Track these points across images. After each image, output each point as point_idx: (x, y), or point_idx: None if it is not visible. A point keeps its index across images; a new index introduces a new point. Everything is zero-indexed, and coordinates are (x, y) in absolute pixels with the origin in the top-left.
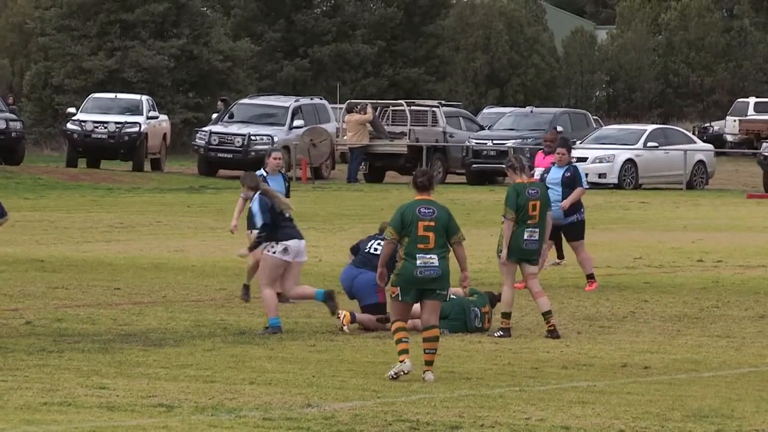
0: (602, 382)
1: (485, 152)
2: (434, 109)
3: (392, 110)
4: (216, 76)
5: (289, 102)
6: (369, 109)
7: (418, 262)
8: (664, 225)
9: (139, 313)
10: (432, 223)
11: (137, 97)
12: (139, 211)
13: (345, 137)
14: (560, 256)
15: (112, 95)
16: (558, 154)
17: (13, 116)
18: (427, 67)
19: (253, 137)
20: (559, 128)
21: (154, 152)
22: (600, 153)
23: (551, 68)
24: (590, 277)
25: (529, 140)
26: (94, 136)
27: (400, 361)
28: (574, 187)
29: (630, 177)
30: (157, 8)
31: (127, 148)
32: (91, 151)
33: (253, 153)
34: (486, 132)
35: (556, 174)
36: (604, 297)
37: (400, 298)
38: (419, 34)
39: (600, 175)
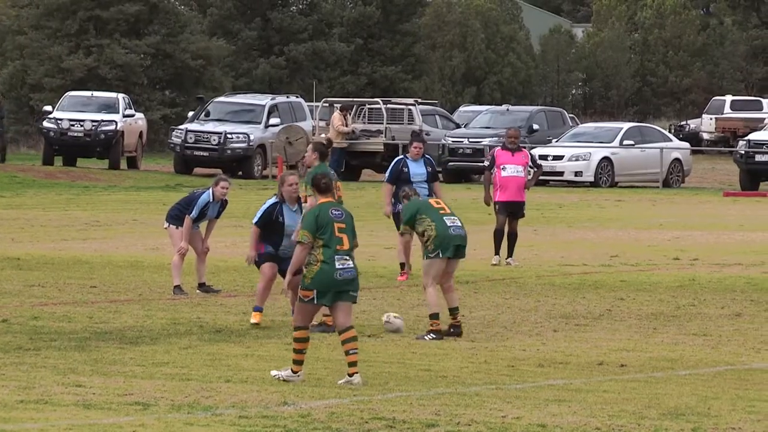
0: (578, 380)
1: (461, 150)
2: (410, 107)
3: (368, 108)
4: (191, 74)
5: (265, 100)
6: (339, 125)
7: (337, 264)
8: (641, 223)
9: (116, 311)
10: (343, 225)
11: (113, 95)
12: (115, 210)
13: (323, 136)
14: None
15: (88, 93)
16: (415, 148)
17: None
18: (404, 65)
19: (229, 135)
20: (536, 126)
21: (130, 150)
22: (576, 151)
23: (527, 66)
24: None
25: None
26: (70, 134)
27: (294, 371)
28: (434, 181)
29: (606, 175)
30: (130, 8)
31: (103, 146)
32: (68, 149)
33: (229, 151)
34: (462, 130)
35: (418, 170)
36: (581, 295)
37: (315, 302)
38: (396, 32)
39: (576, 173)
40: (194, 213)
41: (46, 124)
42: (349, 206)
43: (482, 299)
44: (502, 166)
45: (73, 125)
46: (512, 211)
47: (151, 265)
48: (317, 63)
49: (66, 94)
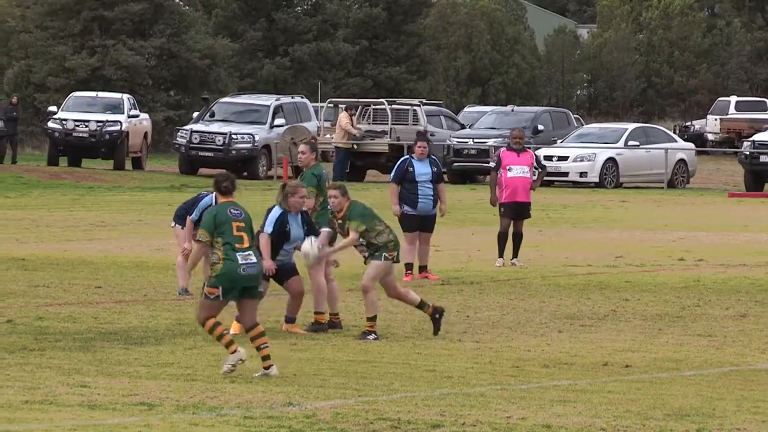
0: (583, 381)
1: (466, 151)
2: (415, 107)
3: (373, 109)
4: (196, 74)
5: (270, 101)
6: (346, 125)
7: (240, 260)
8: (645, 224)
9: (121, 312)
10: (242, 224)
11: (118, 95)
12: (120, 210)
13: (329, 136)
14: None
15: (93, 94)
16: (419, 147)
17: None
18: (409, 66)
19: (234, 136)
20: (540, 127)
21: (135, 151)
22: (581, 152)
23: (532, 67)
24: (424, 268)
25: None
26: (75, 134)
27: (232, 352)
28: (438, 182)
29: (611, 176)
30: (134, 7)
31: (108, 147)
32: (73, 149)
33: (234, 152)
34: (467, 131)
35: (424, 169)
36: (585, 296)
37: (221, 298)
38: (401, 33)
39: (581, 174)
40: (195, 215)
41: (51, 124)
42: None
43: (487, 300)
44: (508, 167)
45: (78, 126)
46: (518, 211)
47: (156, 266)
48: (322, 64)
49: (71, 94)
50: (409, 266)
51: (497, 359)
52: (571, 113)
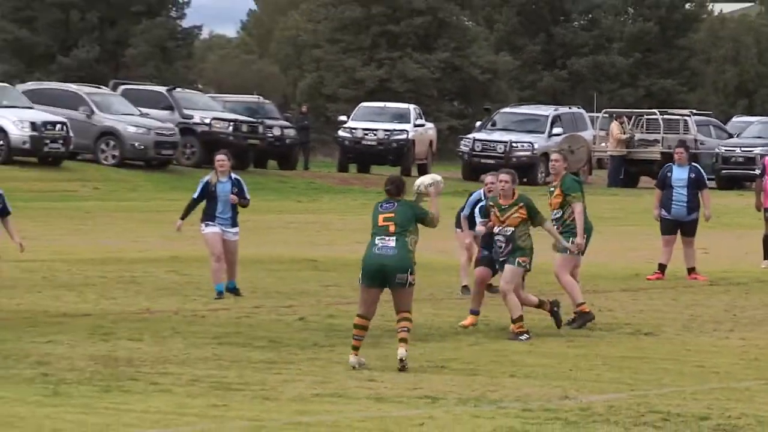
0: None
1: (734, 159)
2: (686, 117)
3: (646, 119)
4: (478, 86)
5: (548, 111)
6: (617, 134)
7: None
8: None
9: None
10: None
11: (405, 106)
12: None
13: (604, 145)
14: None
15: (381, 104)
16: (676, 153)
17: (287, 124)
18: (680, 78)
19: (514, 144)
20: None
21: (420, 158)
22: None
23: None
24: (692, 270)
25: None
26: (364, 142)
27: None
28: (701, 188)
29: None
30: (417, 21)
31: (395, 154)
32: (361, 156)
33: (514, 159)
34: (735, 140)
35: (681, 175)
36: None
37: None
38: (672, 47)
39: None
40: (466, 211)
41: (341, 133)
42: (626, 212)
43: (753, 300)
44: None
45: (366, 134)
46: None
47: (441, 267)
48: (598, 76)
49: (360, 104)
50: (661, 267)
51: (763, 355)
52: None
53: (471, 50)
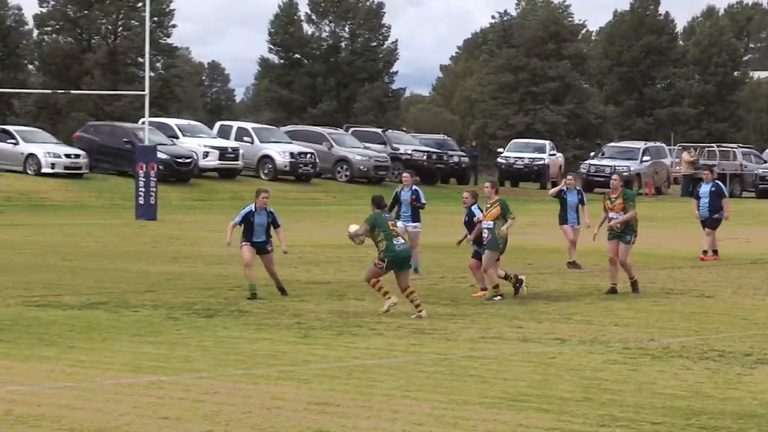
0: None
1: None
2: (734, 149)
3: (707, 150)
4: (592, 128)
5: (640, 145)
6: (687, 160)
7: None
8: None
9: (543, 280)
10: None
11: (542, 141)
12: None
13: (678, 168)
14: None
15: (526, 141)
16: (705, 175)
17: (462, 154)
18: (730, 122)
19: (617, 167)
20: None
21: (553, 177)
22: None
23: None
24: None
25: None
26: (515, 166)
27: (388, 299)
28: (721, 198)
29: None
30: (551, 84)
31: (536, 175)
32: (513, 176)
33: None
34: None
35: (705, 189)
36: None
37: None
38: (725, 101)
39: None
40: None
41: (499, 160)
42: (693, 214)
43: None
44: None
45: (516, 161)
46: None
47: (548, 249)
48: (674, 121)
49: (512, 141)
50: (713, 252)
51: None
52: None
53: (587, 104)
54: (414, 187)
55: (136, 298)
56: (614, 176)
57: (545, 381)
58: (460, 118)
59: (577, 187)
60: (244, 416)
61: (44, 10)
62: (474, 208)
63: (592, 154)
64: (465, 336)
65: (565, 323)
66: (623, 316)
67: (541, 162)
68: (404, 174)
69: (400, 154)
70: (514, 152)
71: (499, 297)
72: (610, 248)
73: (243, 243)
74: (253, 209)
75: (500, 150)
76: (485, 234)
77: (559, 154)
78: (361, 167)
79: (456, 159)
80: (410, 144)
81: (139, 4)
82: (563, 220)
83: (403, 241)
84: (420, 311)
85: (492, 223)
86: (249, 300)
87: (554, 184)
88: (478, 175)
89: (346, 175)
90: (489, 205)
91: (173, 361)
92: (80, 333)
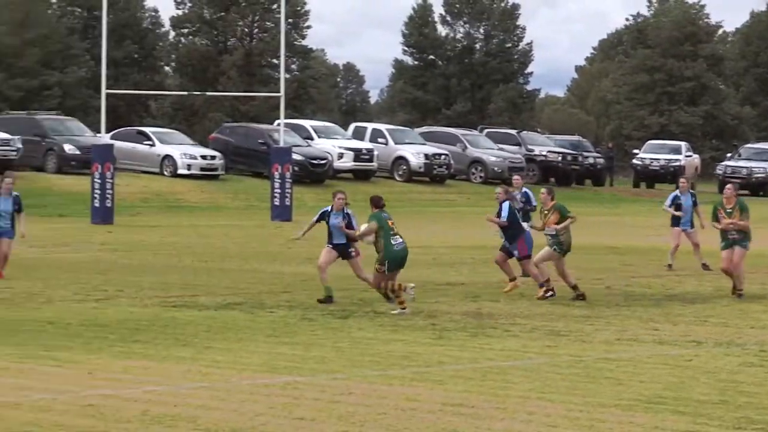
0: None
1: None
2: None
3: None
4: (729, 129)
5: None
6: None
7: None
8: None
9: (679, 282)
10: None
11: (678, 143)
12: None
13: None
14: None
15: (662, 142)
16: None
17: (597, 155)
18: None
19: (753, 168)
20: None
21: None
22: None
23: None
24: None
25: None
26: (650, 167)
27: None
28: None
29: None
30: (687, 84)
31: (672, 176)
32: (649, 177)
33: (753, 179)
34: None
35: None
36: None
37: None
38: None
39: None
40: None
41: (635, 161)
42: None
43: None
44: None
45: (652, 162)
46: None
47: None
48: None
49: (648, 142)
50: None
51: None
52: None
53: (723, 104)
54: (524, 189)
55: (272, 298)
56: (728, 186)
57: (681, 383)
58: (595, 119)
59: (690, 190)
60: (379, 417)
61: (180, 12)
62: (505, 204)
63: (729, 155)
64: (600, 338)
65: (701, 325)
66: (759, 319)
67: (677, 163)
68: (515, 177)
69: (535, 155)
70: (650, 153)
71: (550, 293)
72: (723, 257)
73: (327, 245)
74: (329, 210)
75: (636, 151)
76: (548, 239)
77: (695, 156)
78: (496, 168)
79: (591, 160)
80: (545, 145)
81: (275, 6)
82: (675, 222)
83: (401, 240)
84: (404, 308)
85: (553, 229)
86: (320, 303)
87: (692, 186)
88: (614, 176)
89: (480, 177)
90: (546, 212)
91: (308, 362)
92: (216, 333)
